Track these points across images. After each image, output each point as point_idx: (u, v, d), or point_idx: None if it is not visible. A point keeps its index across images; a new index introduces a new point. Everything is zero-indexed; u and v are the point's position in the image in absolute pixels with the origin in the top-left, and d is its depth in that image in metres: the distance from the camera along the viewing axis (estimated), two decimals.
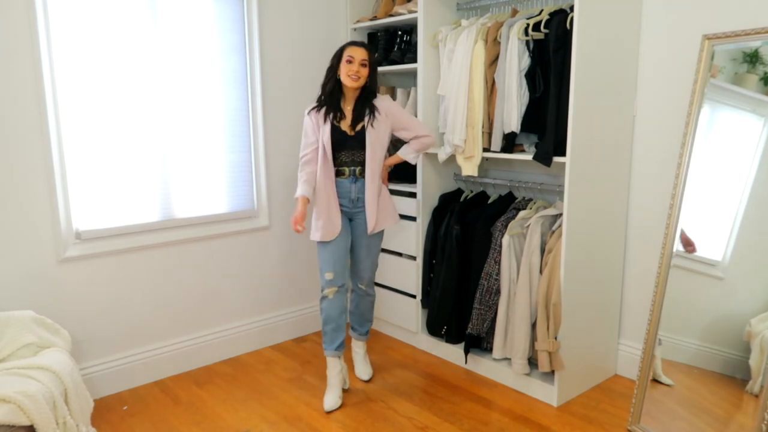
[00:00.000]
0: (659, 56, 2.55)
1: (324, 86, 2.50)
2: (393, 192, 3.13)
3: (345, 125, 2.49)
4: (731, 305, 2.11)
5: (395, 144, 2.82)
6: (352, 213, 2.59)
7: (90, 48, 2.50)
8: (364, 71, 2.44)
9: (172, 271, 2.87)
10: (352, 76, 2.41)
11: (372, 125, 2.49)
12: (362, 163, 2.52)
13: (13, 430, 1.72)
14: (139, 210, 2.73)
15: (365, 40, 3.50)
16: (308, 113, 2.52)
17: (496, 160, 3.09)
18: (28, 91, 2.34)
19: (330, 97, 2.49)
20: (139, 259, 2.74)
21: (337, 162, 2.51)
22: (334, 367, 2.63)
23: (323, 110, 2.48)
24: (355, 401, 2.64)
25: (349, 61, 2.42)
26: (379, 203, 2.58)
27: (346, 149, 2.50)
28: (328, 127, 2.46)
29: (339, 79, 2.47)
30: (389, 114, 2.54)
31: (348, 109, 2.51)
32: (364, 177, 2.54)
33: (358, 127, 2.49)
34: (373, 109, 2.50)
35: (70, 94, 2.47)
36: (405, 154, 2.62)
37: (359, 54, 2.42)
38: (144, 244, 2.74)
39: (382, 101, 2.54)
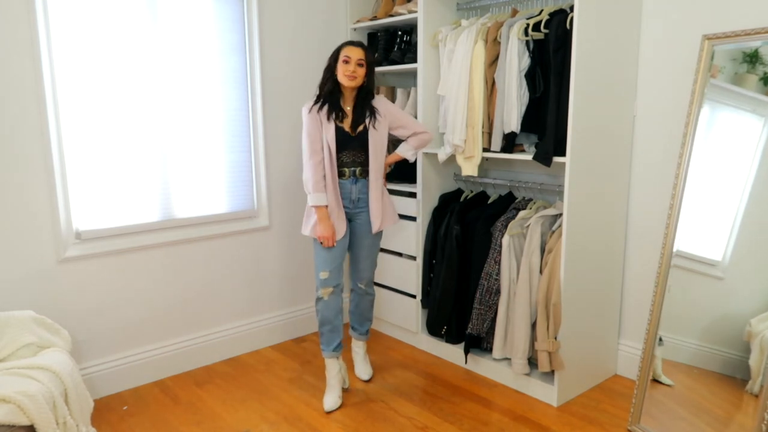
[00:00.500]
0: (659, 56, 2.55)
1: (322, 86, 2.49)
2: (393, 192, 3.14)
3: (346, 125, 2.49)
4: (731, 305, 2.11)
5: (394, 143, 2.82)
6: (352, 213, 2.58)
7: (90, 48, 2.50)
8: (361, 71, 2.44)
9: (172, 271, 2.87)
10: (348, 76, 2.41)
11: (374, 126, 2.50)
12: (362, 164, 2.52)
13: (13, 430, 1.72)
14: (139, 210, 2.73)
15: (365, 40, 3.50)
16: (309, 110, 2.47)
17: (496, 160, 3.09)
18: (28, 91, 2.34)
19: (330, 96, 2.48)
20: (139, 259, 2.74)
21: (338, 162, 2.51)
22: (333, 368, 2.63)
23: (325, 109, 2.46)
24: (355, 401, 2.64)
25: (346, 61, 2.41)
26: (382, 203, 2.59)
27: (348, 150, 2.50)
28: (332, 127, 2.45)
29: (337, 79, 2.47)
30: (387, 113, 2.55)
31: (348, 109, 2.51)
32: (364, 177, 2.54)
33: (360, 128, 2.49)
34: (373, 111, 2.50)
35: (70, 94, 2.47)
36: (404, 151, 2.64)
37: (356, 54, 2.42)
38: (144, 244, 2.74)
39: (378, 101, 2.55)
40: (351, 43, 2.46)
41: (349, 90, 2.48)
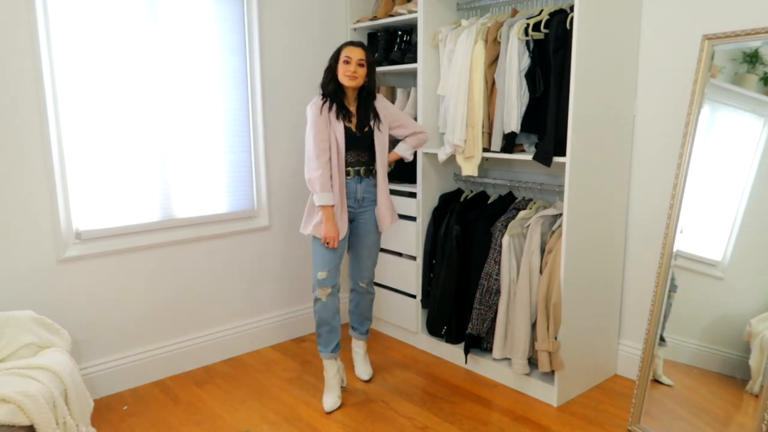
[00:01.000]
0: (659, 56, 2.55)
1: (325, 87, 2.49)
2: (393, 192, 3.13)
3: (353, 126, 2.50)
4: (731, 305, 2.11)
5: (392, 143, 2.82)
6: (356, 213, 2.59)
7: (90, 48, 2.50)
8: (362, 71, 2.44)
9: (172, 271, 2.87)
10: (349, 76, 2.41)
11: (379, 128, 2.51)
12: (365, 164, 2.53)
13: (13, 430, 1.72)
14: (139, 210, 2.73)
15: (365, 40, 3.50)
16: (320, 110, 2.43)
17: (496, 160, 3.09)
18: (28, 91, 2.34)
19: (335, 96, 2.48)
20: (139, 259, 2.74)
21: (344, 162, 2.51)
22: (332, 369, 2.63)
23: (334, 108, 2.45)
24: (355, 401, 2.64)
25: (347, 62, 2.41)
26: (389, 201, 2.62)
27: (353, 149, 2.50)
28: (341, 127, 2.45)
29: (338, 80, 2.46)
30: (387, 113, 2.56)
31: (351, 109, 2.51)
32: (368, 177, 2.55)
33: (365, 129, 2.50)
34: (377, 112, 2.51)
35: (70, 94, 2.47)
36: (402, 150, 2.67)
37: (356, 54, 2.42)
38: (144, 244, 2.74)
39: (378, 101, 2.56)
40: (351, 43, 2.46)
41: (350, 90, 2.48)
